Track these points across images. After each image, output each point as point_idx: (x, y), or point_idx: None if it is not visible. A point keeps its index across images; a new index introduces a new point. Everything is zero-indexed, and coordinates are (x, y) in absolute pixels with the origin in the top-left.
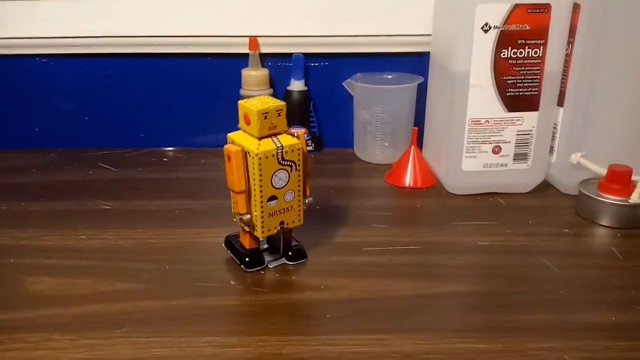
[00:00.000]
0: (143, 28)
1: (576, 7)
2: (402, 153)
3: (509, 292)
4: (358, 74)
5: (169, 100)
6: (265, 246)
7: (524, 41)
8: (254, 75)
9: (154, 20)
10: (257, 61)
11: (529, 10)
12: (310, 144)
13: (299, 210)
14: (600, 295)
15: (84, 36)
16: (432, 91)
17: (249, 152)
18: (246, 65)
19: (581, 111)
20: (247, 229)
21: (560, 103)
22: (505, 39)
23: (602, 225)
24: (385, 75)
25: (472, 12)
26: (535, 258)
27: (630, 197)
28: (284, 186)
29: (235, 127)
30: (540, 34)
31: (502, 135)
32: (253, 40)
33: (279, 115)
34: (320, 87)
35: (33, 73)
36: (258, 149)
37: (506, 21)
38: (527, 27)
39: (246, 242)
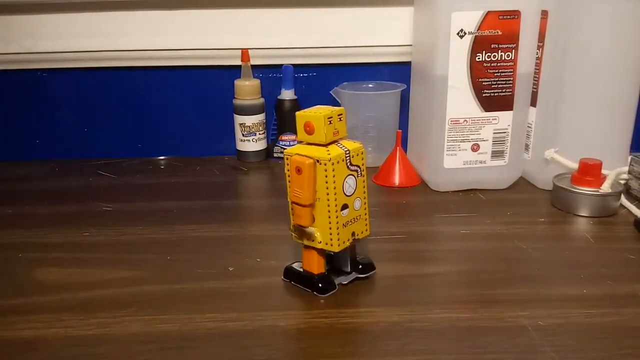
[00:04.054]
0: (140, 43)
1: (544, 13)
2: (387, 155)
3: (487, 271)
4: (345, 83)
5: (164, 111)
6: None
7: (497, 45)
8: (247, 85)
9: (150, 35)
10: (249, 72)
11: (500, 17)
12: None
13: (366, 219)
14: (572, 271)
15: (82, 50)
16: (414, 96)
17: (319, 161)
18: (239, 77)
19: (552, 110)
20: (318, 245)
21: (533, 103)
22: (479, 44)
23: (576, 214)
24: (369, 84)
25: (448, 19)
26: (513, 243)
27: (601, 188)
28: (352, 193)
29: (228, 136)
30: (511, 39)
31: (480, 134)
32: (245, 53)
33: (340, 119)
34: (309, 96)
35: (33, 87)
36: (329, 154)
37: (480, 27)
38: (499, 33)
39: (314, 267)
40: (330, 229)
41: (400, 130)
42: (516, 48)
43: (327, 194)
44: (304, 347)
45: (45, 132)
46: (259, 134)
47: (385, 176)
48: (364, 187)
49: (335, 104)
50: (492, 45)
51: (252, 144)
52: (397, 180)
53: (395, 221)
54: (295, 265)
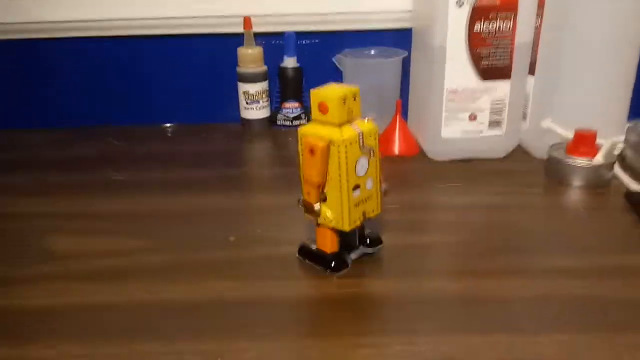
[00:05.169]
0: (146, 11)
1: None
2: (388, 124)
3: (478, 242)
4: (346, 50)
5: (171, 79)
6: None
7: (495, 15)
8: (249, 53)
9: (157, 4)
10: (251, 40)
11: None
12: (303, 118)
13: (378, 198)
14: (560, 243)
15: (89, 20)
16: (414, 64)
17: (332, 142)
18: (241, 44)
19: (550, 79)
20: (330, 224)
21: (532, 72)
22: (477, 14)
23: (569, 185)
24: (371, 51)
25: None
26: (504, 213)
27: (594, 158)
28: (365, 173)
29: (233, 103)
30: (510, 8)
31: (477, 104)
32: (247, 20)
33: (355, 99)
34: (311, 63)
35: (45, 56)
36: (342, 136)
37: None
38: (498, 2)
39: (327, 246)
40: (341, 208)
41: (400, 100)
42: (515, 17)
43: (340, 175)
44: (300, 317)
45: (54, 101)
46: (262, 101)
47: (385, 145)
48: (377, 167)
49: (338, 71)
50: (491, 15)
51: (256, 112)
52: (396, 149)
53: (393, 191)
54: (309, 243)
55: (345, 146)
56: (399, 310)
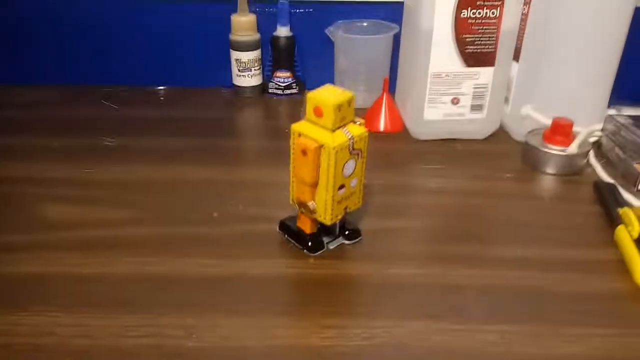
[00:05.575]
0: None
1: None
2: (376, 99)
3: (442, 228)
4: (339, 22)
5: (167, 42)
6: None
7: (482, 2)
8: (243, 21)
9: None
10: (245, 6)
11: None
12: (294, 87)
13: (360, 194)
14: (518, 232)
15: None
16: (404, 42)
17: (324, 146)
18: (235, 11)
19: (534, 66)
20: (313, 216)
21: (516, 58)
22: (465, 0)
23: (542, 172)
24: (364, 23)
25: None
26: (473, 199)
27: (568, 148)
28: (351, 174)
29: (226, 69)
30: None
31: (460, 88)
32: None
33: (349, 106)
34: (304, 33)
35: (42, 8)
36: (334, 141)
37: None
38: None
39: (307, 227)
40: (325, 205)
41: (388, 77)
42: (502, 5)
43: (327, 177)
44: (273, 296)
45: (47, 58)
46: (254, 70)
47: (371, 121)
48: (362, 168)
49: (331, 42)
50: (478, 2)
51: (248, 80)
52: (381, 126)
53: (371, 172)
54: (289, 221)
55: (336, 152)
56: (362, 293)
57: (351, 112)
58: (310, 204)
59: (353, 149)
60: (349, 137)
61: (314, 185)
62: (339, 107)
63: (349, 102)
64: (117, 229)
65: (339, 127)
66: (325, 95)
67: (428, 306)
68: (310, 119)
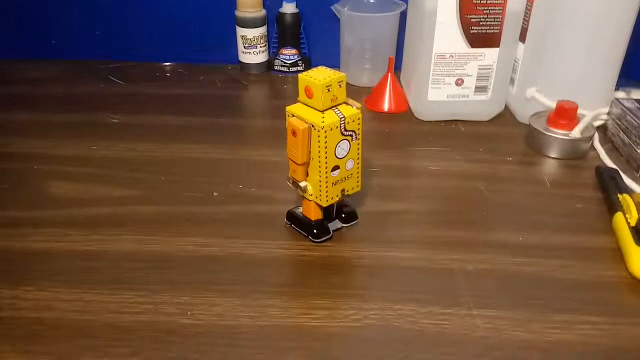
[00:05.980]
0: None
1: None
2: (382, 77)
3: (440, 212)
4: None
5: (171, 19)
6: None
7: None
8: None
9: None
10: None
11: None
12: (300, 64)
13: (358, 177)
14: (517, 217)
15: None
16: (409, 21)
17: (314, 126)
18: None
19: (540, 48)
20: (310, 197)
21: (522, 39)
22: None
23: (546, 155)
24: (370, 0)
25: None
26: (473, 183)
27: (572, 132)
28: (345, 156)
29: (232, 45)
30: None
31: (464, 69)
32: None
33: (340, 86)
34: (310, 10)
35: None
36: (323, 121)
37: None
38: None
39: (311, 214)
40: (320, 186)
41: (393, 57)
42: None
43: (319, 157)
44: (268, 276)
45: (53, 32)
46: (260, 46)
47: (375, 101)
48: (358, 149)
49: (337, 19)
50: None
51: (254, 56)
52: (385, 106)
53: (373, 152)
54: (296, 210)
55: (326, 131)
56: (356, 276)
57: (342, 93)
58: (302, 183)
59: (345, 129)
60: (340, 117)
61: (305, 165)
62: (327, 87)
63: (339, 82)
64: (119, 207)
65: (330, 108)
66: (315, 76)
67: (418, 290)
68: (303, 100)
